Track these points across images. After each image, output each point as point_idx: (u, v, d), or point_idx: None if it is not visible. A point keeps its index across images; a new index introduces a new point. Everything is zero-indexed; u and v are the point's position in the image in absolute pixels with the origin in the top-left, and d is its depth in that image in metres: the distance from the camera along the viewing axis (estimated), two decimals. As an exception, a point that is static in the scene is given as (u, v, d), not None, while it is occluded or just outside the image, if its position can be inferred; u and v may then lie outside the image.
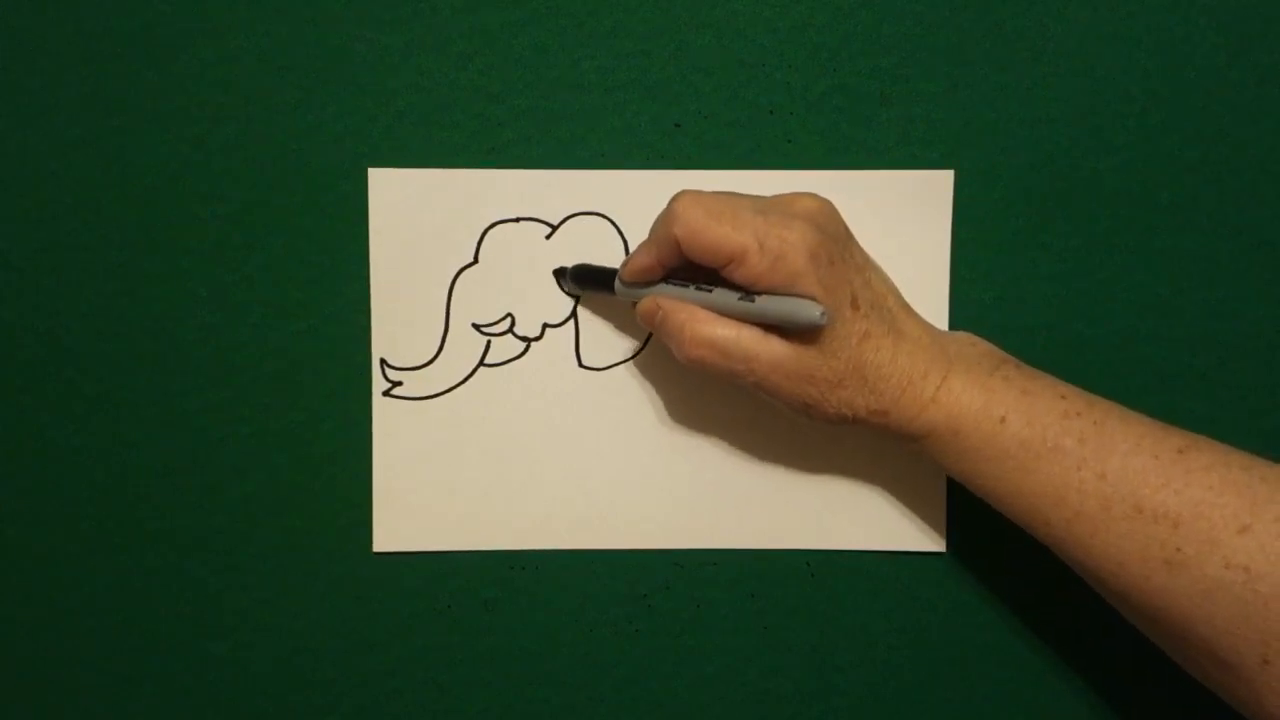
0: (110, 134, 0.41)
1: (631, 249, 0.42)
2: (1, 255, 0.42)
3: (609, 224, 0.42)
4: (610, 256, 0.42)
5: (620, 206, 0.42)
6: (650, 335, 0.42)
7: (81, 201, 0.41)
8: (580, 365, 0.43)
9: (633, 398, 0.43)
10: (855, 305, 0.36)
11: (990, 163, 0.42)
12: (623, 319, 0.43)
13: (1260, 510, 0.33)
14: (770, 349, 0.36)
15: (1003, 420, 0.36)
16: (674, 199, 0.37)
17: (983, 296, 0.43)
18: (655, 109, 0.42)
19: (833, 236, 0.37)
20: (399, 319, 0.42)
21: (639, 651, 0.43)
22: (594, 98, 0.42)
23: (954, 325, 0.43)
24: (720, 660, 0.43)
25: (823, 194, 0.38)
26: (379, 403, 0.42)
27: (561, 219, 0.42)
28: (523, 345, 0.42)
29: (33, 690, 0.43)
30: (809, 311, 0.35)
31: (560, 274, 0.42)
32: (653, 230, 0.38)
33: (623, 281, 0.39)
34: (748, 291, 0.36)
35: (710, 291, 0.37)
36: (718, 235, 0.35)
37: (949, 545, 0.43)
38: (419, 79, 0.41)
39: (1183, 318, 0.43)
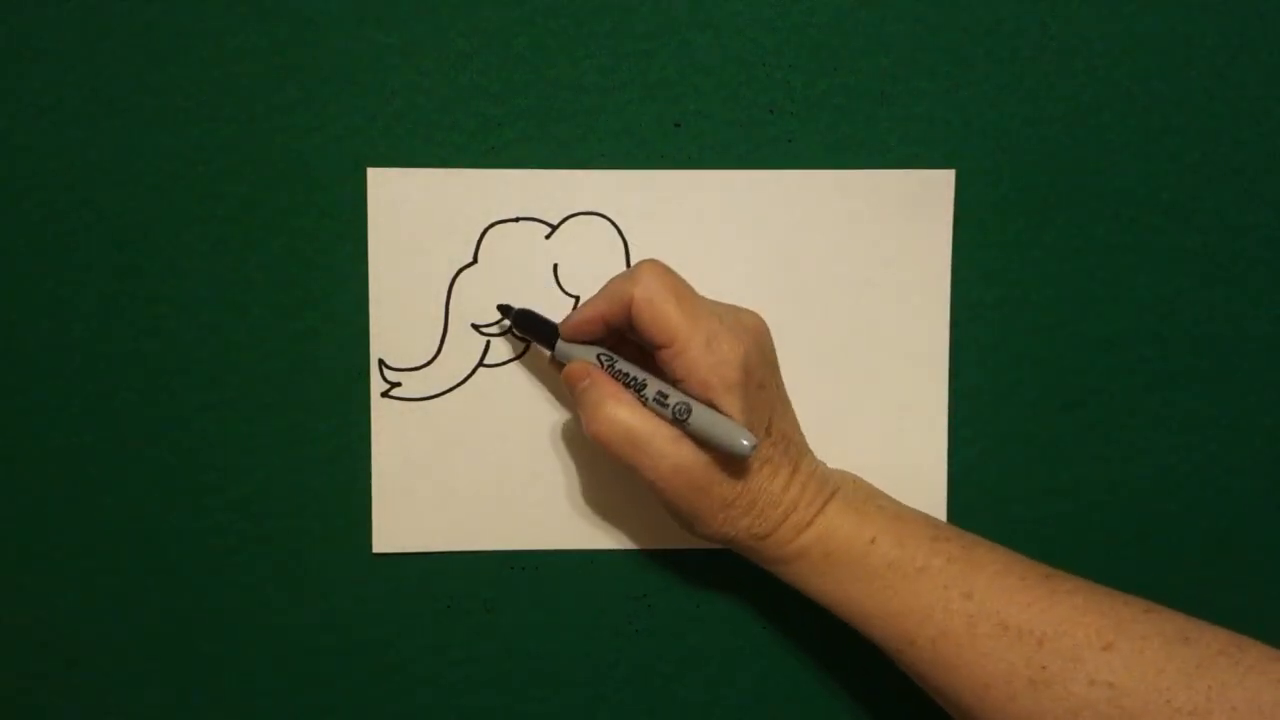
0: (110, 134, 0.41)
1: (631, 249, 0.42)
2: (2, 255, 0.41)
3: (608, 224, 0.42)
4: (610, 256, 0.42)
5: (620, 206, 0.42)
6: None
7: (81, 201, 0.41)
8: (580, 365, 0.43)
9: (633, 398, 0.43)
10: (769, 432, 0.37)
11: (991, 162, 0.42)
12: (623, 319, 0.42)
13: (1124, 628, 0.33)
14: (680, 453, 0.35)
15: (873, 541, 0.37)
16: (641, 263, 0.36)
17: (983, 296, 0.43)
18: (655, 109, 0.42)
19: (768, 362, 0.37)
20: (398, 319, 0.42)
21: (639, 651, 0.43)
22: (594, 98, 0.42)
23: (955, 325, 0.43)
24: (720, 660, 0.43)
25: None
26: (378, 403, 0.42)
27: (561, 219, 0.42)
28: (522, 345, 0.42)
29: (33, 690, 0.43)
30: (739, 439, 0.34)
31: (504, 310, 0.41)
32: (607, 286, 0.37)
33: (562, 335, 0.38)
34: (674, 380, 0.36)
35: (644, 385, 0.36)
36: (673, 313, 0.35)
37: (949, 545, 0.43)
38: (418, 79, 0.41)
39: (1183, 318, 0.43)
